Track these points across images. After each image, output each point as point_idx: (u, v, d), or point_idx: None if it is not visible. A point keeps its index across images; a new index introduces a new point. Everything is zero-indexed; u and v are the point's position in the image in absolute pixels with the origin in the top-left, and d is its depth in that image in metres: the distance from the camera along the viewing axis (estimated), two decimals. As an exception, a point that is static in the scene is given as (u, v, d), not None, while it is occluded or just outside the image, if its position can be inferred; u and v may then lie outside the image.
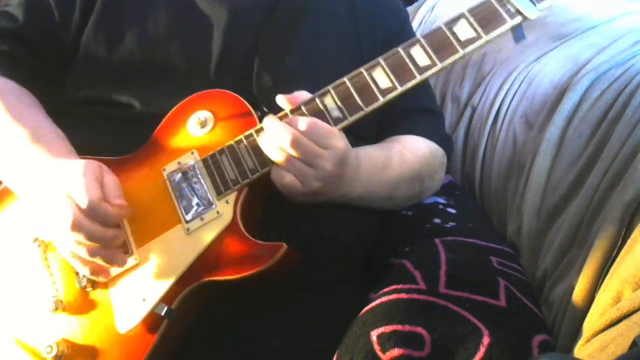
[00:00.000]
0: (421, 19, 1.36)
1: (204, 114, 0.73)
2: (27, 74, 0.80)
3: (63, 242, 0.67)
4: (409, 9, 1.42)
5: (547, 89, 0.92)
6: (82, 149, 0.75)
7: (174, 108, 0.75)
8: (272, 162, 0.68)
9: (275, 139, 0.66)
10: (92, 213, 0.65)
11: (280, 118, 0.69)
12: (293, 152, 0.65)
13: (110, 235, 0.67)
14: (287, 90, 0.70)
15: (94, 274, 0.68)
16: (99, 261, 0.67)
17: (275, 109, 0.70)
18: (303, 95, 0.69)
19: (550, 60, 0.95)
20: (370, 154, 0.78)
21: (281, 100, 0.69)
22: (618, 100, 0.79)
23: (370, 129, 0.85)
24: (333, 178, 0.69)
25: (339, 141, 0.67)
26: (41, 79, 0.81)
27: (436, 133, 0.90)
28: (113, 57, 0.79)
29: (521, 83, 0.96)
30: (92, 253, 0.66)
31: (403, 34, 0.92)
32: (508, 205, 0.92)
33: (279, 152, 0.66)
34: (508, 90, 0.98)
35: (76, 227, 0.64)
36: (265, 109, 0.74)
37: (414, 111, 0.89)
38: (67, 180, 0.66)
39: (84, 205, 0.64)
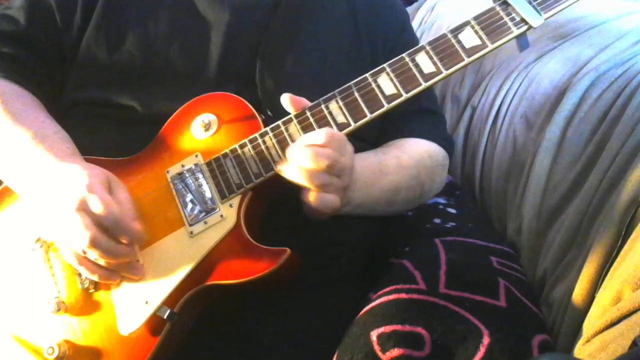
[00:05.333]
0: (421, 19, 1.36)
1: (208, 117, 0.73)
2: (28, 76, 0.81)
3: (73, 251, 0.67)
4: (409, 9, 1.43)
5: (547, 89, 0.92)
6: (85, 150, 0.75)
7: (178, 110, 0.75)
8: (312, 190, 0.65)
9: (302, 163, 0.63)
10: (112, 230, 0.64)
11: (284, 123, 0.69)
12: (320, 167, 0.63)
13: (127, 251, 0.67)
14: (290, 93, 0.70)
15: (103, 279, 0.68)
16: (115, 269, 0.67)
17: (280, 113, 0.70)
18: (305, 101, 0.69)
19: (550, 60, 0.95)
20: (364, 159, 0.78)
21: (285, 100, 0.68)
22: (618, 100, 0.79)
23: (371, 132, 0.85)
24: (348, 183, 0.68)
25: (350, 145, 0.67)
26: (43, 81, 0.82)
27: (437, 134, 0.89)
28: (114, 60, 0.79)
29: (521, 83, 0.97)
30: (110, 266, 0.67)
31: (403, 34, 0.92)
32: (508, 205, 0.92)
33: (310, 175, 0.63)
34: (508, 90, 0.98)
35: (94, 244, 0.63)
36: (269, 112, 0.74)
37: (416, 112, 0.89)
38: (76, 192, 0.65)
39: (105, 220, 0.63)
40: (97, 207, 0.63)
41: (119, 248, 0.66)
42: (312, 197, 0.65)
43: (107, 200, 0.64)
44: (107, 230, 0.64)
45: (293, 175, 0.65)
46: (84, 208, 0.64)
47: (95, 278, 0.68)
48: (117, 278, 0.69)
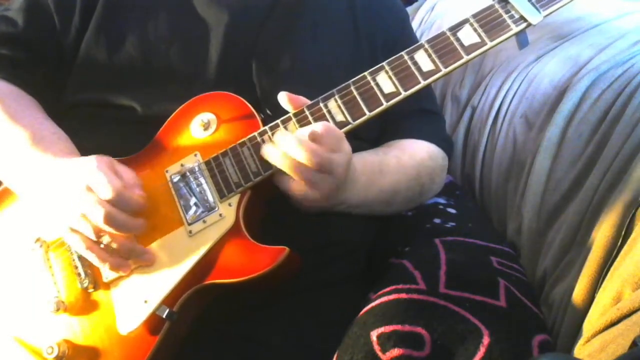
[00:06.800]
0: (421, 19, 1.36)
1: (207, 116, 0.73)
2: (27, 77, 0.81)
3: (82, 237, 0.67)
4: (409, 9, 1.43)
5: (547, 89, 0.92)
6: (85, 151, 0.75)
7: (177, 110, 0.75)
8: (288, 176, 0.67)
9: (290, 153, 0.65)
10: (120, 203, 0.64)
11: (283, 122, 0.69)
12: (309, 163, 0.64)
13: (140, 224, 0.67)
14: (288, 91, 0.70)
15: (114, 267, 0.68)
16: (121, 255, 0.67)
17: (279, 112, 0.70)
18: (303, 99, 0.69)
19: (550, 60, 0.95)
20: (364, 158, 0.78)
21: (283, 98, 0.68)
22: (618, 100, 0.79)
23: (371, 131, 0.85)
24: (342, 182, 0.69)
25: (347, 144, 0.67)
26: (42, 82, 0.82)
27: (437, 135, 0.89)
28: (114, 61, 0.79)
29: (521, 83, 0.97)
30: (123, 247, 0.66)
31: (403, 33, 0.92)
32: (508, 205, 0.92)
33: (296, 167, 0.65)
34: (508, 90, 0.98)
35: (109, 219, 0.64)
36: (268, 112, 0.74)
37: (415, 112, 0.89)
38: (82, 175, 0.66)
39: (110, 195, 0.64)
40: (102, 184, 0.64)
41: (134, 221, 0.66)
42: (295, 188, 0.67)
43: (110, 176, 0.65)
44: (117, 206, 0.65)
45: (280, 164, 0.65)
46: (94, 188, 0.65)
47: (105, 267, 0.68)
48: (127, 268, 0.68)
